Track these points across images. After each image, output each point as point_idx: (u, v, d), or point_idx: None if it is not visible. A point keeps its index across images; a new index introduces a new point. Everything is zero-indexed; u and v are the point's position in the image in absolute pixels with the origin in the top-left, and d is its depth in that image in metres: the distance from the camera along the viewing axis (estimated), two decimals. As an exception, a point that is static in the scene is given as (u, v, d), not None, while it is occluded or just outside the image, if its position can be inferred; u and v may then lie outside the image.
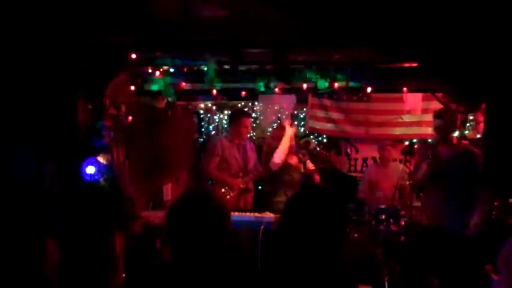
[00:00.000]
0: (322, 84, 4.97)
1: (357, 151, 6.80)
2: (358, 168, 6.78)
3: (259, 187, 6.19)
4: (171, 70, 4.95)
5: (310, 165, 4.94)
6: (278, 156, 5.01)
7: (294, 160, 5.06)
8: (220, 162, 5.68)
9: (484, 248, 3.93)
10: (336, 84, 5.15)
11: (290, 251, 2.06)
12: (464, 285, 4.17)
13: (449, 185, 4.45)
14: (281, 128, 5.20)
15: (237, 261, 2.16)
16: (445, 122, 4.53)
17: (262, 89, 5.08)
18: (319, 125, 6.53)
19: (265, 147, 5.30)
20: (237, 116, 5.75)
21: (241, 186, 5.62)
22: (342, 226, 2.12)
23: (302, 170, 4.98)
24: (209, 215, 2.04)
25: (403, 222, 4.97)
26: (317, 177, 5.02)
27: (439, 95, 4.85)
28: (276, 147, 5.02)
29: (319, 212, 2.04)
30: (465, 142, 4.85)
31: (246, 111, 6.08)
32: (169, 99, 5.67)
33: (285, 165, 5.00)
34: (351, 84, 5.21)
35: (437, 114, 4.63)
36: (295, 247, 2.04)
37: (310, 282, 1.99)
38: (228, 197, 5.51)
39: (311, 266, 2.01)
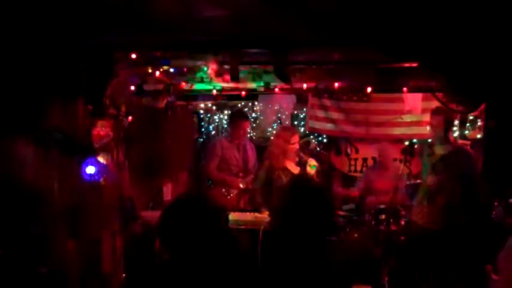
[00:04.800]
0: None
1: (356, 151, 6.79)
2: (358, 168, 6.78)
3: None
4: (171, 70, 4.95)
5: (313, 162, 4.90)
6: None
7: (291, 164, 5.03)
8: (221, 162, 5.70)
9: (484, 248, 3.94)
10: (336, 84, 5.15)
11: (284, 247, 2.09)
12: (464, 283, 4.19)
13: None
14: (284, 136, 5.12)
15: (237, 262, 2.16)
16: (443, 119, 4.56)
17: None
18: (319, 125, 6.52)
19: (273, 149, 5.13)
20: (236, 119, 5.77)
21: (241, 186, 5.63)
22: (329, 221, 2.16)
23: (297, 173, 4.96)
24: (203, 217, 2.06)
25: (403, 222, 4.98)
26: (316, 178, 4.98)
27: (439, 95, 4.85)
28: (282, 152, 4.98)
29: (308, 208, 2.08)
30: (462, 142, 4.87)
31: (244, 114, 6.06)
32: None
33: (283, 169, 4.99)
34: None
35: (435, 111, 4.65)
36: (288, 242, 2.08)
37: (304, 277, 2.02)
38: (228, 197, 5.51)
39: (303, 260, 2.04)
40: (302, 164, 4.92)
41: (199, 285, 2.02)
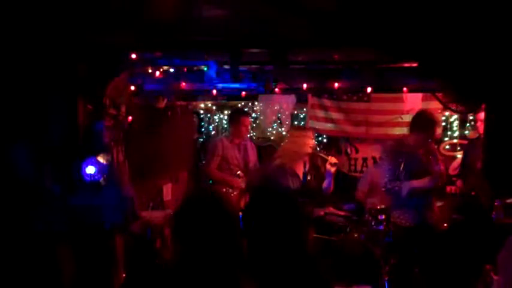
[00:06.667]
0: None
1: (357, 151, 6.79)
2: (358, 168, 6.77)
3: (259, 187, 6.20)
4: (171, 70, 4.96)
5: (334, 160, 4.87)
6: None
7: (300, 169, 5.01)
8: (221, 162, 5.70)
9: (484, 248, 3.94)
10: (336, 84, 5.15)
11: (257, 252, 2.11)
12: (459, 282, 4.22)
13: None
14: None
15: (237, 261, 2.16)
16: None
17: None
18: (319, 125, 6.52)
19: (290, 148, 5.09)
20: (236, 116, 5.78)
21: (242, 186, 5.63)
22: (296, 226, 2.16)
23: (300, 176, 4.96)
24: (220, 218, 2.06)
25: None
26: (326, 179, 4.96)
27: (439, 95, 4.86)
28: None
29: (273, 214, 2.09)
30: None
31: (244, 110, 6.08)
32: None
33: (292, 174, 4.97)
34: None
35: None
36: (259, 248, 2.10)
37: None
38: (228, 197, 5.50)
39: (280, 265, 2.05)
40: (322, 162, 4.89)
41: (201, 286, 2.02)
